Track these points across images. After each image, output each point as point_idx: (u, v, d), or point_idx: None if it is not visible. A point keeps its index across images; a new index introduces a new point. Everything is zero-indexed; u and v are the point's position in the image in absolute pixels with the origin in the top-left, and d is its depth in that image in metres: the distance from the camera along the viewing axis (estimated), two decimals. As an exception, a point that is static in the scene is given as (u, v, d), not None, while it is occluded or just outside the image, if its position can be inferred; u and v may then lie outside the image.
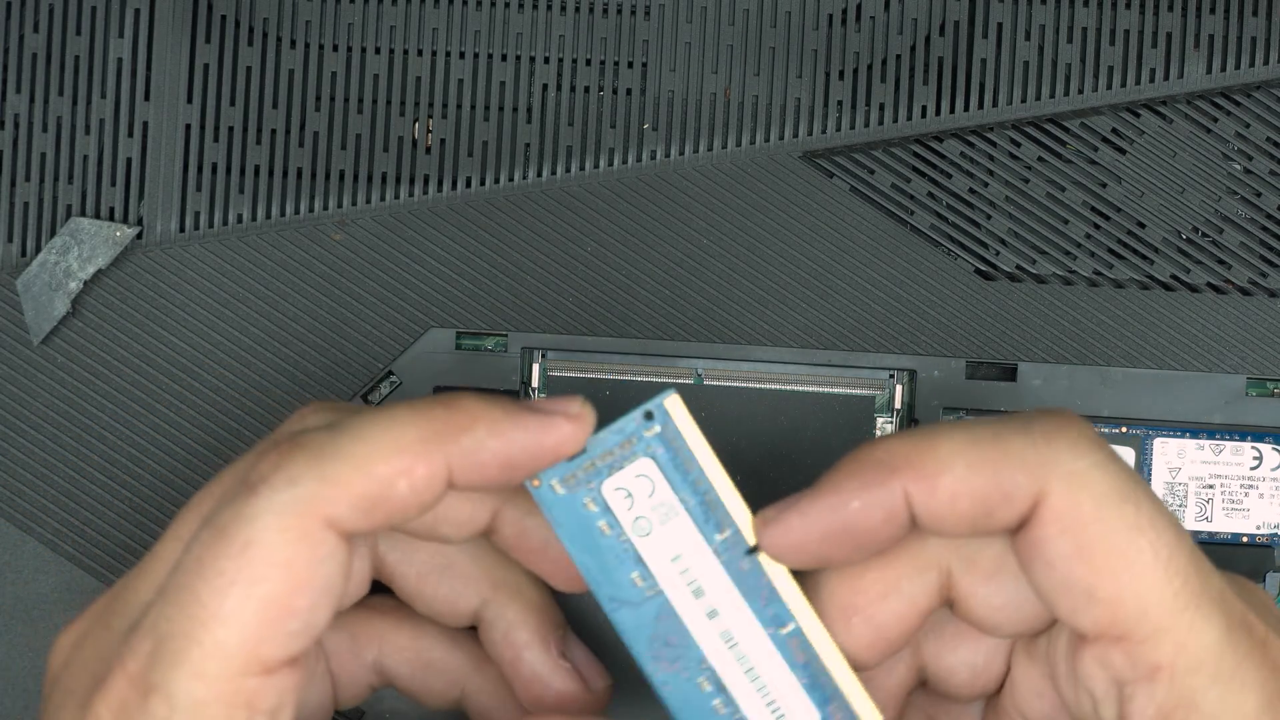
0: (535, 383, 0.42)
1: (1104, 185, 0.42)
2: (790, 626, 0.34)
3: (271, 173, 0.42)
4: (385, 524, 0.32)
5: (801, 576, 0.34)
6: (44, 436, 0.42)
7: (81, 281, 0.42)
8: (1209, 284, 0.42)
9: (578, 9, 0.42)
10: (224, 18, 0.42)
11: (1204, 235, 0.42)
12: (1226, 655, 0.32)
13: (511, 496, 0.36)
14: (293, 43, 0.42)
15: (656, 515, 0.34)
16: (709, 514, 0.34)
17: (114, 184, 0.42)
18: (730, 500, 0.34)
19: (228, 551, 0.31)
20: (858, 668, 0.34)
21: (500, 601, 0.37)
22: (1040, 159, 0.42)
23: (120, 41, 0.42)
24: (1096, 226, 0.42)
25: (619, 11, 0.43)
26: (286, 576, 0.31)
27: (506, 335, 0.42)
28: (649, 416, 0.34)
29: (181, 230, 0.42)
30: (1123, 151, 0.42)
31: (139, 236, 0.42)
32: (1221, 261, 0.42)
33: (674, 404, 0.34)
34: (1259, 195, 0.42)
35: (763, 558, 0.34)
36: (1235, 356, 0.42)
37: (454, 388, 0.41)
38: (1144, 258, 0.42)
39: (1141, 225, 0.42)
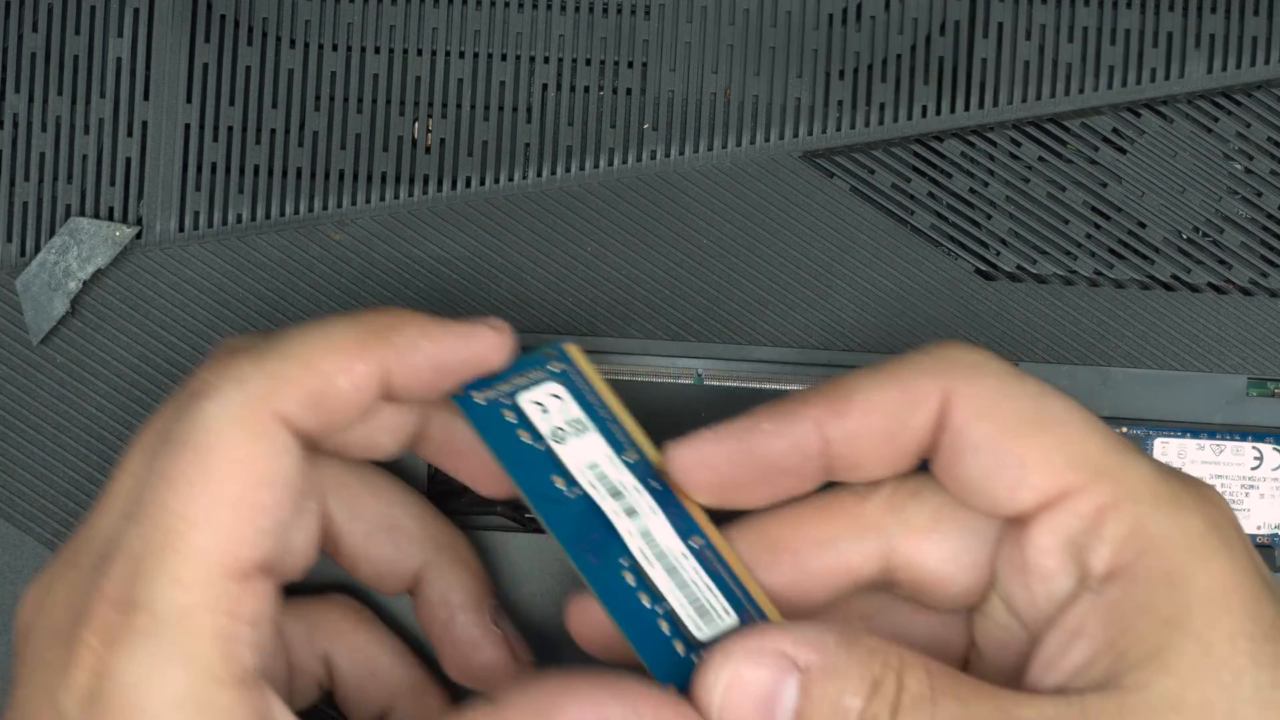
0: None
1: (1105, 185, 0.42)
2: (699, 539, 0.35)
3: (271, 172, 0.42)
4: (329, 424, 0.34)
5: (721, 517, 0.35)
6: (44, 436, 0.42)
7: (81, 281, 0.42)
8: (1210, 284, 0.42)
9: (578, 9, 0.42)
10: (223, 17, 0.42)
11: (1205, 235, 0.42)
12: (1162, 485, 0.33)
13: (440, 405, 0.37)
14: (292, 42, 0.42)
15: (570, 428, 0.36)
16: (615, 437, 0.36)
17: (113, 184, 0.42)
18: (636, 434, 0.36)
19: (189, 457, 0.32)
20: (791, 612, 0.35)
21: (441, 564, 0.38)
22: (1041, 159, 0.42)
23: (119, 41, 0.42)
24: (1097, 226, 0.42)
25: (619, 11, 0.42)
26: (249, 472, 0.32)
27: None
28: (549, 354, 0.37)
29: (181, 230, 0.42)
30: (1123, 151, 0.42)
31: (138, 236, 0.42)
32: (1222, 261, 0.42)
33: (573, 349, 0.37)
34: (1260, 195, 0.42)
35: (672, 483, 0.35)
36: (1236, 357, 0.42)
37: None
38: (1145, 258, 0.42)
39: (1142, 225, 0.42)
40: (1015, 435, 0.33)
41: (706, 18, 0.42)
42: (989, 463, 0.33)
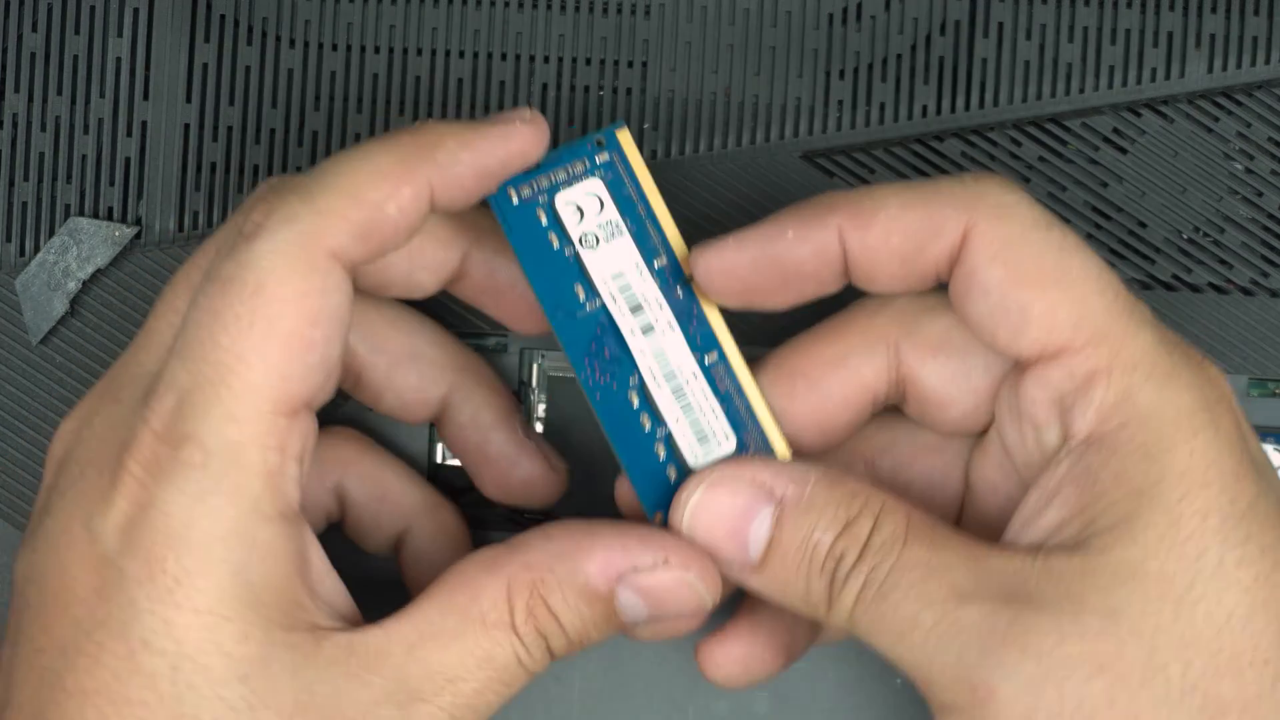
0: (535, 383, 0.42)
1: (1105, 185, 0.42)
2: (714, 354, 0.36)
3: (271, 172, 0.42)
4: (379, 250, 0.34)
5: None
6: (43, 436, 0.42)
7: (80, 281, 0.42)
8: (1210, 284, 0.42)
9: (578, 9, 0.42)
10: (223, 17, 0.42)
11: (1205, 235, 0.42)
12: (1162, 357, 0.33)
13: (478, 239, 0.37)
14: (292, 42, 0.42)
15: (603, 232, 0.36)
16: (649, 240, 0.36)
17: (113, 183, 0.42)
18: (670, 231, 0.36)
19: (241, 295, 0.32)
20: (800, 449, 0.36)
21: (467, 386, 0.38)
22: (1041, 159, 0.42)
23: (119, 41, 0.42)
24: (1098, 226, 0.42)
25: (619, 11, 0.42)
26: (301, 310, 0.33)
27: (506, 335, 0.41)
28: (599, 144, 0.36)
29: (180, 230, 0.42)
30: (1124, 151, 0.42)
31: (138, 236, 0.42)
32: (1223, 261, 0.42)
33: (624, 136, 0.37)
34: (1260, 195, 0.42)
35: (696, 288, 0.36)
36: (1237, 357, 0.42)
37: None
38: (1145, 257, 0.42)
39: (1143, 225, 0.42)
40: (1025, 285, 0.33)
41: (706, 18, 0.42)
42: (995, 306, 0.33)
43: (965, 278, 0.33)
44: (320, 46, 0.42)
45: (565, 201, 0.36)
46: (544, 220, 0.36)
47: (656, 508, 0.36)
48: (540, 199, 0.36)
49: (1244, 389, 0.42)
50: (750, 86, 0.42)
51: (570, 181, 0.36)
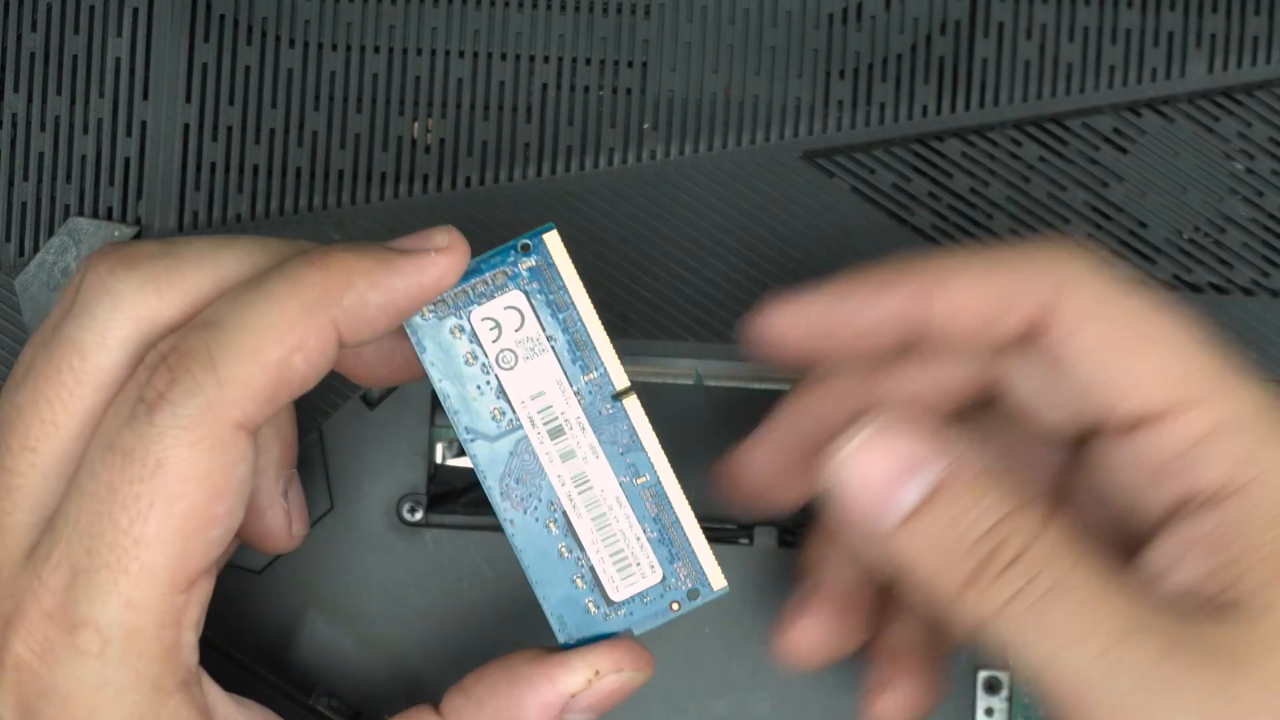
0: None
1: (1105, 185, 0.42)
2: (646, 478, 0.34)
3: (270, 172, 0.42)
4: (284, 401, 0.32)
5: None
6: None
7: (80, 281, 0.42)
8: (1211, 284, 0.42)
9: (578, 8, 0.42)
10: (223, 17, 0.42)
11: (1206, 235, 0.42)
12: (1272, 411, 0.32)
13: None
14: (291, 42, 0.42)
15: (522, 350, 0.34)
16: (577, 353, 0.34)
17: (112, 183, 0.42)
18: (600, 342, 0.34)
19: (139, 475, 0.31)
20: None
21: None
22: (1041, 159, 0.42)
23: (119, 40, 0.42)
24: (1098, 226, 0.42)
25: (619, 11, 0.42)
26: (204, 488, 0.31)
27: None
28: (525, 249, 0.34)
29: (180, 229, 0.42)
30: (1124, 151, 0.42)
31: (138, 236, 0.42)
32: (1224, 261, 0.42)
33: (552, 239, 0.34)
34: (1261, 195, 0.42)
35: (627, 403, 0.34)
36: (1237, 356, 0.42)
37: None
38: (1146, 258, 0.42)
39: (1143, 225, 0.42)
40: (1123, 345, 0.32)
41: (706, 18, 0.42)
42: (1096, 369, 0.32)
43: (1053, 351, 0.32)
44: (320, 46, 0.42)
45: (482, 318, 0.34)
46: (458, 337, 0.34)
47: (571, 643, 0.34)
48: (455, 315, 0.34)
49: (1244, 389, 0.42)
50: (750, 86, 0.42)
51: (489, 295, 0.34)
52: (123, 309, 0.32)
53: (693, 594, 0.35)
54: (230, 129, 0.42)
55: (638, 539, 0.34)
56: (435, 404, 0.41)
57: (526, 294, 0.34)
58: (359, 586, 0.41)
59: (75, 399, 0.32)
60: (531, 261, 0.34)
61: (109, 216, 0.42)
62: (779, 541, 0.41)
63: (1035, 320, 0.33)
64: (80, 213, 0.42)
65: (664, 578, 0.34)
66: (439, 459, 0.41)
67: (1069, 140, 0.42)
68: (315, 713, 0.40)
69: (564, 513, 0.34)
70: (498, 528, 0.41)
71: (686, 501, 0.34)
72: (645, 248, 0.42)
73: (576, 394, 0.34)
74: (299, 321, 0.32)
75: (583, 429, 0.34)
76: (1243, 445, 0.32)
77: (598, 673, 0.34)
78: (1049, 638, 0.31)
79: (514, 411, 0.34)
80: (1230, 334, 0.42)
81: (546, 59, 0.42)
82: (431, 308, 0.34)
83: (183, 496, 0.31)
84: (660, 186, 0.42)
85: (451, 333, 0.34)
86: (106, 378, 0.32)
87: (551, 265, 0.34)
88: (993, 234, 0.42)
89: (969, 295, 0.33)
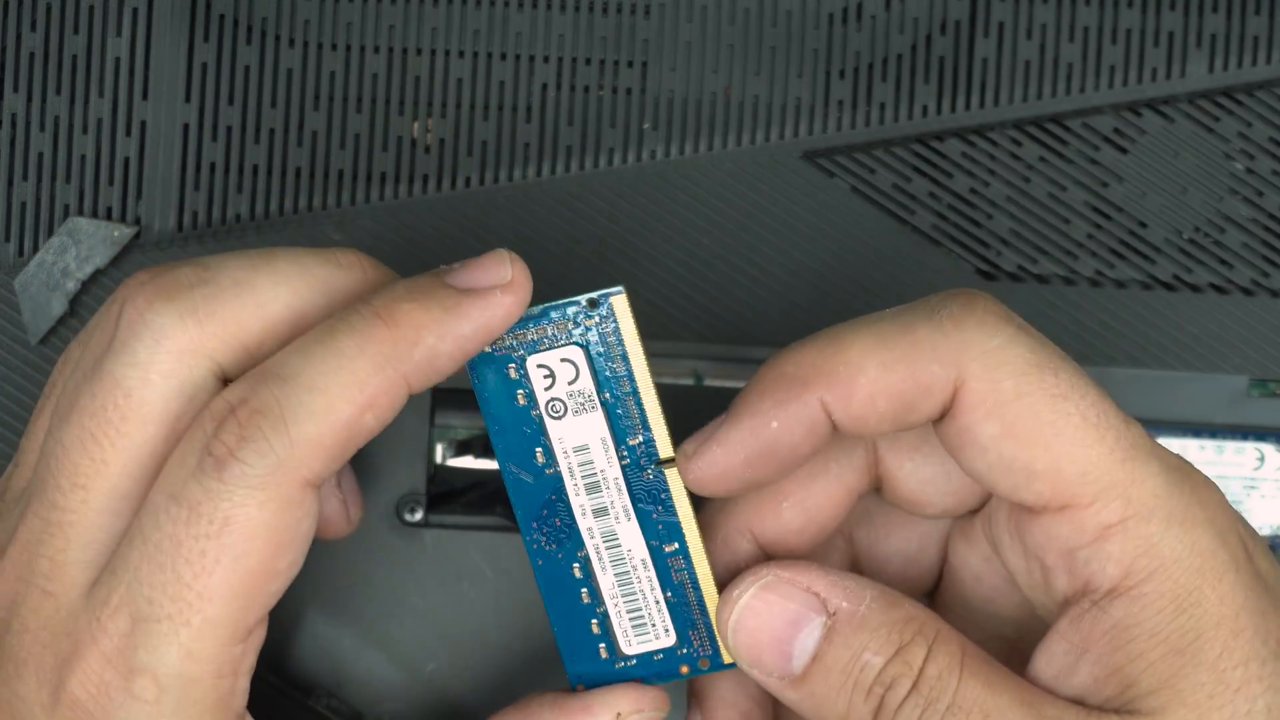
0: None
1: (1106, 185, 0.42)
2: (674, 546, 0.34)
3: (270, 172, 0.42)
4: (351, 455, 0.32)
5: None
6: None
7: (79, 281, 0.42)
8: (1211, 284, 0.42)
9: (578, 8, 0.42)
10: (222, 17, 0.42)
11: (1206, 235, 0.42)
12: (1175, 497, 0.32)
13: None
14: (291, 42, 0.42)
15: (572, 402, 0.34)
16: (626, 416, 0.34)
17: (112, 183, 0.42)
18: (651, 409, 0.34)
19: (206, 531, 0.31)
20: (792, 553, 0.35)
21: None
22: (1042, 158, 0.42)
23: (118, 40, 0.42)
24: (1098, 226, 0.42)
25: (619, 11, 0.42)
26: (269, 545, 0.31)
27: (506, 335, 0.41)
28: (593, 304, 0.34)
29: (180, 230, 0.42)
30: (1124, 151, 0.42)
31: (137, 236, 0.42)
32: (1224, 261, 0.42)
33: (620, 302, 0.34)
34: (1261, 195, 0.42)
35: (670, 472, 0.34)
36: (1238, 357, 0.42)
37: (463, 390, 0.41)
38: (1146, 258, 0.42)
39: (1143, 225, 0.42)
40: (1023, 441, 0.32)
41: (706, 18, 0.42)
42: (994, 463, 0.32)
43: (959, 433, 0.32)
44: (320, 46, 0.42)
45: (538, 364, 0.34)
46: (513, 376, 0.34)
47: (580, 680, 0.35)
48: (513, 354, 0.34)
49: (1244, 389, 0.42)
50: (750, 86, 0.42)
51: (548, 344, 0.34)
52: (164, 343, 0.32)
53: (703, 662, 0.35)
54: (230, 129, 0.42)
55: (657, 602, 0.34)
56: (435, 404, 0.41)
57: (585, 350, 0.34)
58: (359, 586, 0.41)
59: (123, 436, 0.32)
60: (596, 318, 0.34)
61: (108, 216, 0.42)
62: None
63: (949, 401, 0.32)
64: (80, 213, 0.42)
65: (677, 643, 0.34)
66: (439, 459, 0.41)
67: (1069, 140, 0.42)
68: (315, 713, 0.40)
69: (589, 562, 0.34)
70: (498, 528, 0.41)
71: (711, 575, 0.34)
72: (645, 248, 0.42)
73: (620, 455, 0.34)
74: (371, 380, 0.31)
75: (619, 490, 0.34)
76: (1140, 541, 0.31)
77: (619, 716, 0.34)
78: None
79: (555, 459, 0.34)
80: (1230, 334, 0.42)
81: (546, 59, 0.42)
82: (494, 345, 0.34)
83: (248, 554, 0.31)
84: (660, 186, 0.42)
85: (507, 371, 0.34)
86: (153, 413, 0.32)
87: (615, 328, 0.34)
88: (993, 234, 0.42)
89: (881, 386, 0.32)
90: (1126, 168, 0.42)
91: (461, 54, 0.42)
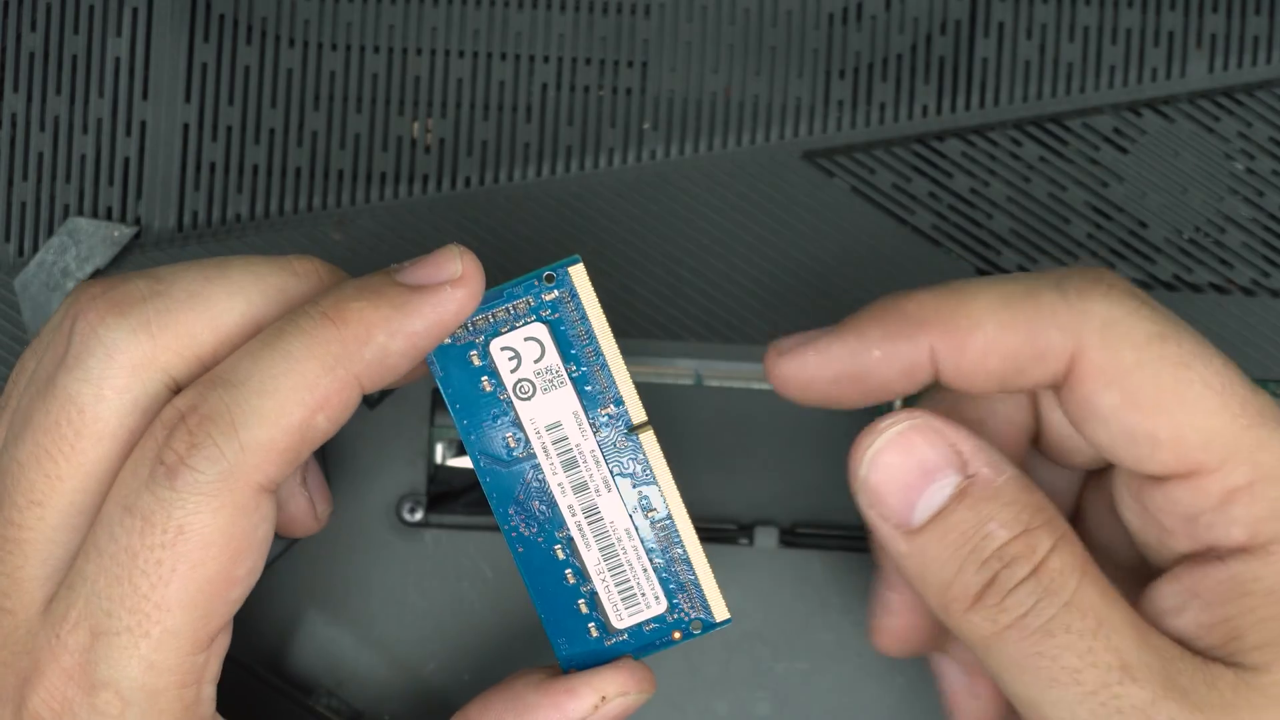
0: (535, 383, 0.41)
1: (1106, 185, 0.42)
2: (657, 511, 0.34)
3: (270, 172, 0.42)
4: (305, 457, 0.32)
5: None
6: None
7: (79, 281, 0.42)
8: (1211, 284, 0.42)
9: (578, 8, 0.42)
10: (222, 17, 0.42)
11: (1206, 235, 0.42)
12: None
13: None
14: (291, 41, 0.42)
15: (540, 381, 0.34)
16: (595, 386, 0.34)
17: (112, 183, 0.42)
18: (620, 376, 0.34)
19: (160, 540, 0.31)
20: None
21: None
22: (1042, 158, 0.42)
23: (118, 40, 0.42)
24: (1098, 226, 0.42)
25: (619, 11, 0.42)
26: (225, 552, 0.31)
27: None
28: (549, 280, 0.33)
29: (180, 230, 0.42)
30: (1124, 151, 0.42)
31: (137, 236, 0.42)
32: (1224, 261, 0.42)
33: (578, 271, 0.33)
34: (1261, 195, 0.42)
35: (644, 437, 0.34)
36: (1238, 357, 0.41)
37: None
38: (1146, 258, 0.42)
39: (1143, 225, 0.42)
40: (1146, 411, 0.31)
41: (706, 17, 0.42)
42: (1117, 433, 0.32)
43: (1079, 404, 0.32)
44: (320, 46, 0.42)
45: (501, 347, 0.33)
46: (476, 363, 0.33)
47: (571, 663, 0.34)
48: (474, 340, 0.33)
49: (1245, 389, 0.42)
50: (750, 86, 0.42)
51: (510, 324, 0.33)
52: (116, 358, 0.32)
53: (696, 624, 0.35)
54: (230, 129, 0.42)
55: (644, 570, 0.34)
56: (435, 404, 0.41)
57: (549, 325, 0.33)
58: (359, 586, 0.41)
59: (77, 452, 0.32)
60: (555, 293, 0.33)
61: (108, 216, 0.42)
62: (779, 542, 0.41)
63: (1062, 371, 0.32)
64: (80, 212, 0.42)
65: (669, 608, 0.34)
66: (439, 459, 0.41)
67: (1069, 140, 0.42)
68: (315, 713, 0.40)
69: (571, 541, 0.34)
70: (497, 528, 0.41)
71: (695, 534, 0.34)
72: (645, 248, 0.42)
73: (593, 426, 0.34)
74: (320, 381, 0.31)
75: (597, 462, 0.34)
76: (1267, 503, 0.31)
77: (604, 698, 0.34)
78: (1046, 669, 0.31)
79: (528, 441, 0.34)
80: (1231, 334, 0.42)
81: (546, 59, 0.42)
82: (452, 334, 0.33)
83: (204, 562, 0.31)
84: (660, 186, 0.42)
85: (469, 359, 0.34)
86: (107, 429, 0.32)
87: (575, 297, 0.33)
88: (993, 234, 0.42)
89: (996, 344, 0.32)
90: (1126, 168, 0.42)
91: (461, 54, 0.42)
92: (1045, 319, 0.32)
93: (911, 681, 0.41)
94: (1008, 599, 0.31)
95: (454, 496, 0.41)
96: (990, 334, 0.32)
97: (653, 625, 0.34)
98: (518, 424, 0.34)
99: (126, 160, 0.42)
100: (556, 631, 0.34)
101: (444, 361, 0.34)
